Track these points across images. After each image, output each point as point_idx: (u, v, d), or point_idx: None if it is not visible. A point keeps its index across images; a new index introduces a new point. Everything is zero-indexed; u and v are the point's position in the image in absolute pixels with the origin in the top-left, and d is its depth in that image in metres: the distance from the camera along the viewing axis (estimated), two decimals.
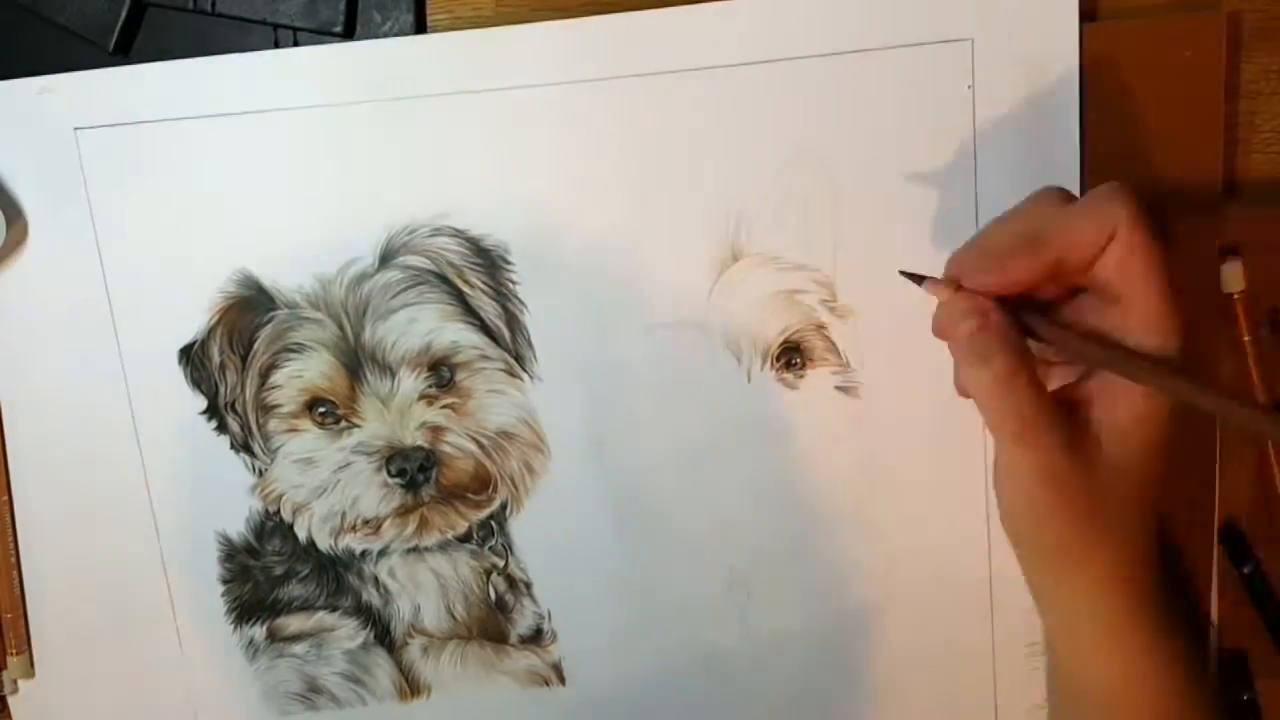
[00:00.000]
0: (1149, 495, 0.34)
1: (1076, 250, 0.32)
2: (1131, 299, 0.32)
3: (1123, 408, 0.33)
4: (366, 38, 0.42)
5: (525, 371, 0.43)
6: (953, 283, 0.34)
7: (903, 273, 0.36)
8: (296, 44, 0.43)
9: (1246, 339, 0.41)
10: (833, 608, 0.45)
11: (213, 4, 0.42)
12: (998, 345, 0.33)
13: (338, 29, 0.42)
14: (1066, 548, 0.34)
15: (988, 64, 0.40)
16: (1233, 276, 0.41)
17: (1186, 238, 0.40)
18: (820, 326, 0.42)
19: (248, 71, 0.42)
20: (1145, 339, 0.32)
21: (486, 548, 0.45)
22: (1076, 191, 0.40)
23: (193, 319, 0.43)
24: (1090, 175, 0.40)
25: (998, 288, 0.33)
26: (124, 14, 0.43)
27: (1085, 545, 0.34)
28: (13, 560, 0.46)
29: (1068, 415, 0.34)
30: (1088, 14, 0.40)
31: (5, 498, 0.46)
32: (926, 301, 0.41)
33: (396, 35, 0.42)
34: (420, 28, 0.43)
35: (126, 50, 0.43)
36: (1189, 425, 0.40)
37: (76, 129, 0.42)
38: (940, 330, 0.35)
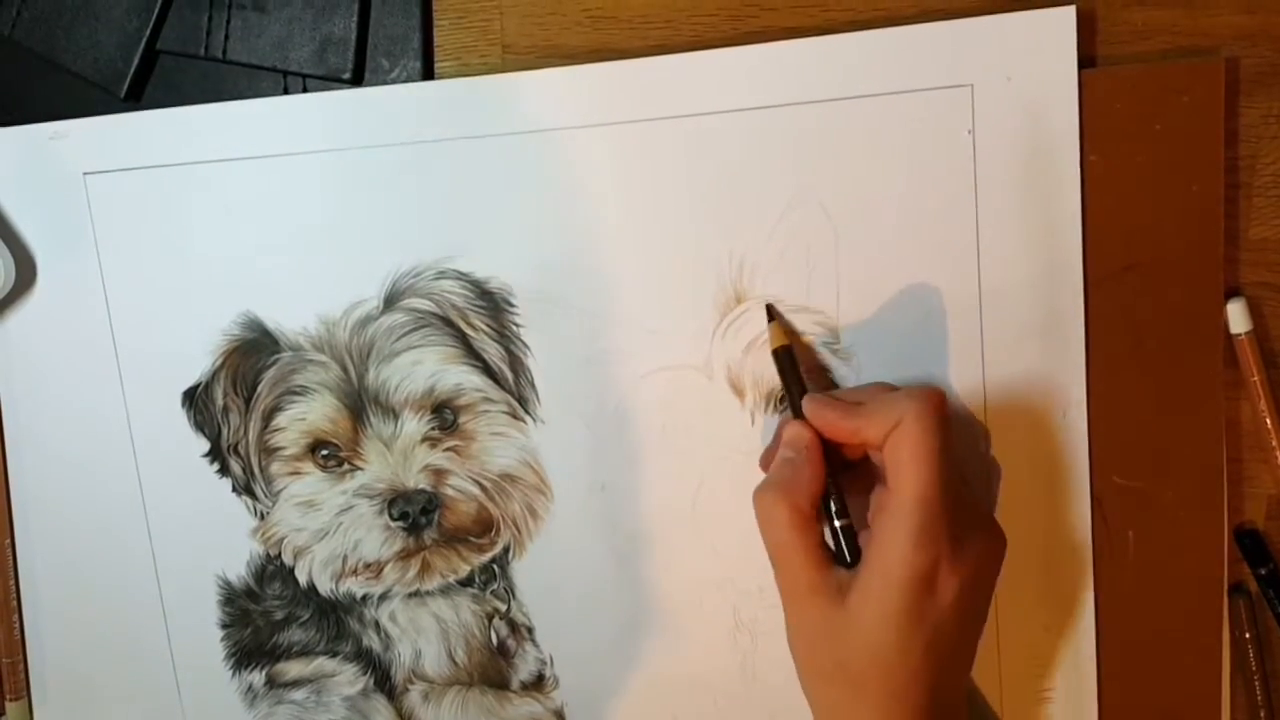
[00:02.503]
0: (896, 671, 0.35)
1: (870, 428, 0.36)
2: (892, 484, 0.35)
3: (868, 568, 0.35)
4: (375, 85, 0.43)
5: (528, 414, 0.43)
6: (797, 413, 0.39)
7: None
8: (306, 90, 0.43)
9: (1255, 379, 0.41)
10: None
11: (224, 51, 0.43)
12: (800, 482, 0.37)
13: (346, 76, 0.43)
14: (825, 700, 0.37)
15: (988, 109, 0.40)
16: (1239, 317, 0.41)
17: (1190, 281, 0.41)
18: (824, 370, 0.42)
19: (254, 117, 0.43)
20: (888, 520, 0.35)
21: (488, 592, 0.45)
22: (1078, 233, 0.40)
23: (197, 362, 0.44)
24: (1090, 219, 0.40)
25: (816, 424, 0.38)
26: (136, 61, 0.43)
27: (841, 699, 0.36)
28: (13, 604, 0.46)
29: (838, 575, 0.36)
30: (1086, 60, 0.40)
31: (7, 540, 0.46)
32: (928, 345, 0.42)
33: (404, 82, 0.43)
34: (428, 75, 0.43)
35: (139, 97, 0.44)
36: (1198, 434, 0.41)
37: (85, 174, 0.43)
38: (767, 451, 0.41)
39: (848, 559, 0.37)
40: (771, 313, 0.41)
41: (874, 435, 0.36)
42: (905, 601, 0.34)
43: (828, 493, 0.37)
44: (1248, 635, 0.43)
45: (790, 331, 0.42)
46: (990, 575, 0.37)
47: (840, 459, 0.38)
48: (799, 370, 0.40)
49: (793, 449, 0.38)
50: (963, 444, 0.41)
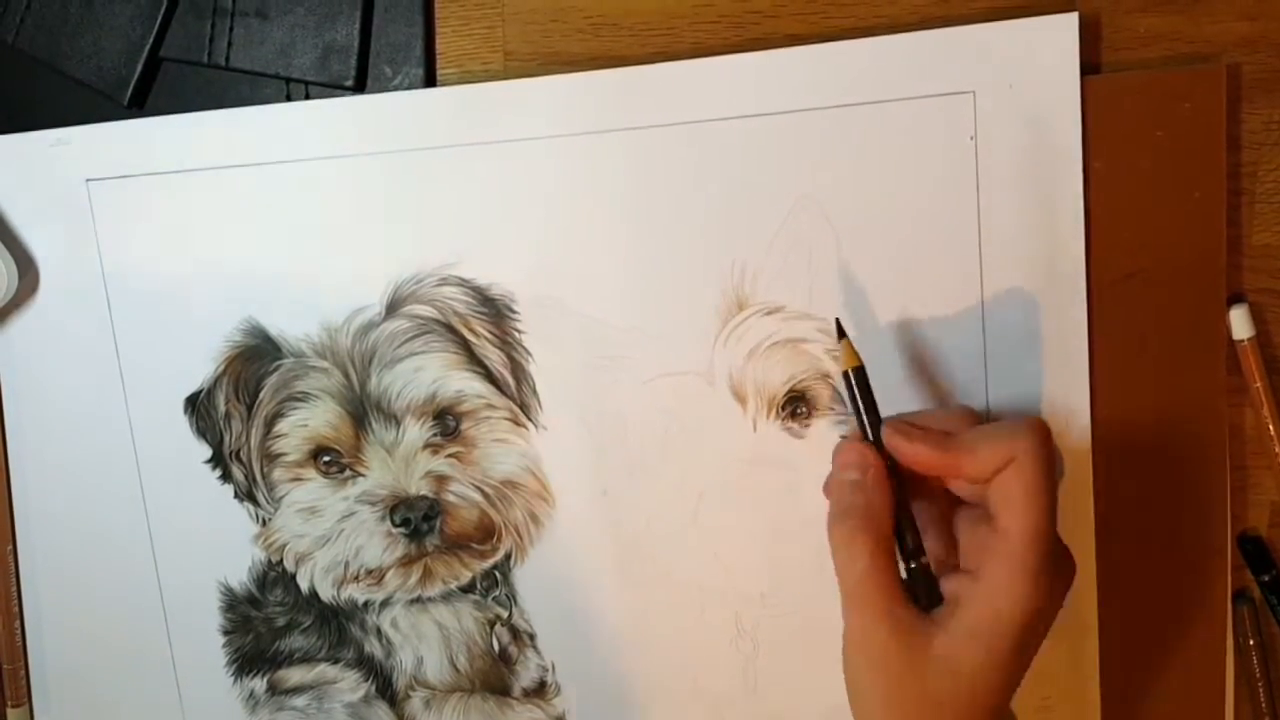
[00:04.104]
0: (981, 702, 0.34)
1: (974, 464, 0.35)
2: (1005, 524, 0.34)
3: (974, 611, 0.34)
4: (377, 92, 0.43)
5: (530, 420, 0.43)
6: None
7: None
8: (308, 98, 0.43)
9: (1258, 385, 0.41)
10: (840, 659, 0.44)
11: (226, 59, 0.43)
12: (875, 511, 0.35)
13: (349, 83, 0.43)
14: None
15: (990, 116, 0.40)
16: (1241, 323, 0.41)
17: (1193, 287, 0.41)
18: (825, 376, 0.42)
19: (256, 124, 0.43)
20: (1002, 562, 0.34)
21: (490, 598, 0.45)
22: (1080, 239, 0.40)
23: (199, 368, 0.44)
24: (1093, 225, 0.40)
25: (900, 455, 0.36)
26: (139, 68, 0.44)
27: None
28: (15, 610, 0.46)
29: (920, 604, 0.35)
30: (1089, 67, 0.40)
31: (9, 546, 0.46)
32: (931, 352, 0.41)
33: (407, 89, 0.43)
34: (430, 82, 0.43)
35: (142, 104, 0.44)
36: (1201, 441, 0.41)
37: (88, 180, 0.43)
38: (829, 477, 0.38)
39: (924, 601, 0.35)
40: (841, 330, 0.39)
41: (980, 472, 0.34)
42: (1018, 642, 0.33)
43: (900, 525, 0.36)
44: (1252, 642, 0.43)
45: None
46: (1060, 604, 0.36)
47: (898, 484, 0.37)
48: (872, 393, 0.38)
49: (859, 471, 0.36)
50: None
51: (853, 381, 0.38)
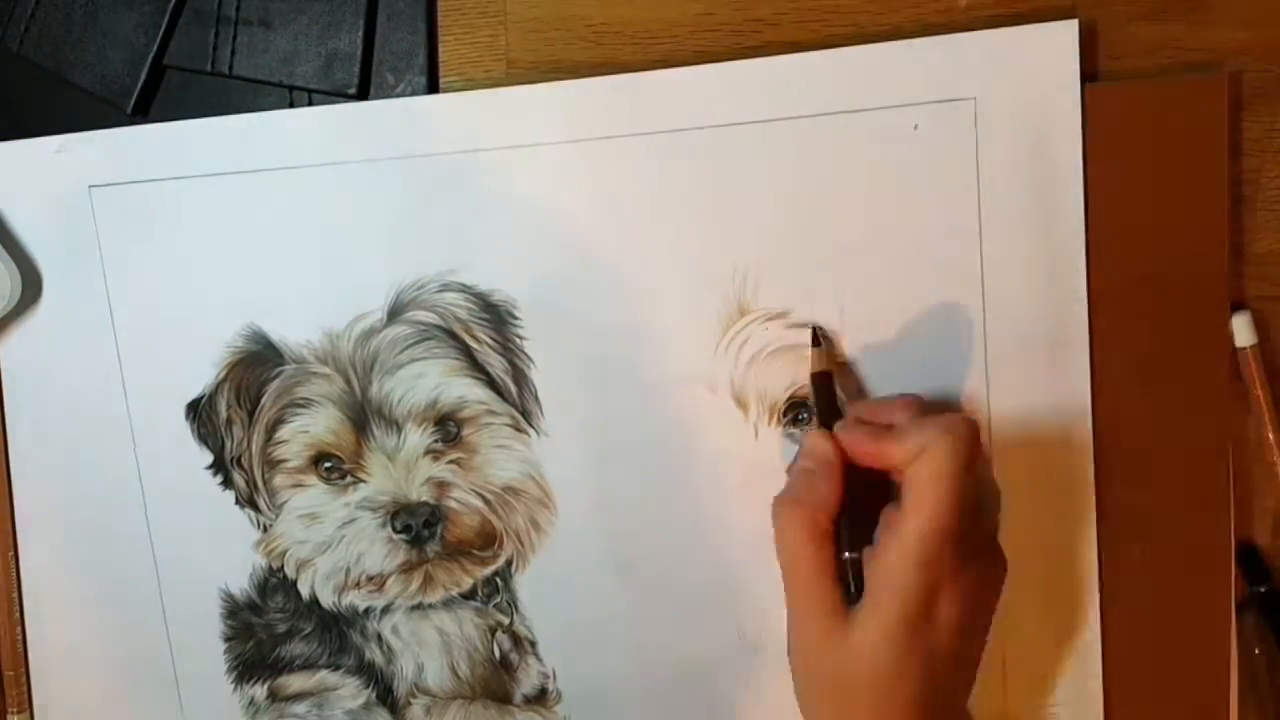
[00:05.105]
0: (900, 696, 0.34)
1: (899, 454, 0.36)
2: (904, 510, 0.35)
3: (870, 598, 0.35)
4: (380, 100, 0.43)
5: (532, 427, 0.43)
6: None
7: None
8: (311, 105, 0.44)
9: (1260, 393, 0.41)
10: None
11: (230, 67, 0.43)
12: (819, 496, 0.37)
13: (352, 91, 0.43)
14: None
15: (990, 123, 0.40)
16: (1244, 330, 0.41)
17: (1194, 294, 0.41)
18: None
19: (257, 131, 0.43)
20: (894, 548, 0.34)
21: (491, 605, 0.45)
22: (1081, 247, 0.40)
23: (201, 374, 0.44)
24: (1094, 233, 0.40)
25: (844, 444, 0.38)
26: (143, 77, 0.44)
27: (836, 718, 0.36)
28: (17, 616, 0.46)
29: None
30: (1089, 74, 0.40)
31: (11, 552, 0.46)
32: (932, 359, 0.41)
33: (409, 97, 0.43)
34: (433, 90, 0.44)
35: (145, 112, 0.44)
36: (1203, 448, 0.41)
37: (91, 187, 0.43)
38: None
39: (853, 590, 0.36)
40: (816, 338, 0.41)
41: (899, 460, 0.36)
42: (905, 623, 0.34)
43: (843, 514, 0.37)
44: (1257, 651, 0.43)
45: (833, 357, 0.41)
46: (990, 601, 0.37)
47: (862, 475, 0.38)
48: (834, 398, 0.40)
49: (813, 460, 0.38)
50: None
51: (818, 387, 0.40)
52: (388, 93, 0.43)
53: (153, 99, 0.45)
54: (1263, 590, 0.42)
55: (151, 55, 0.44)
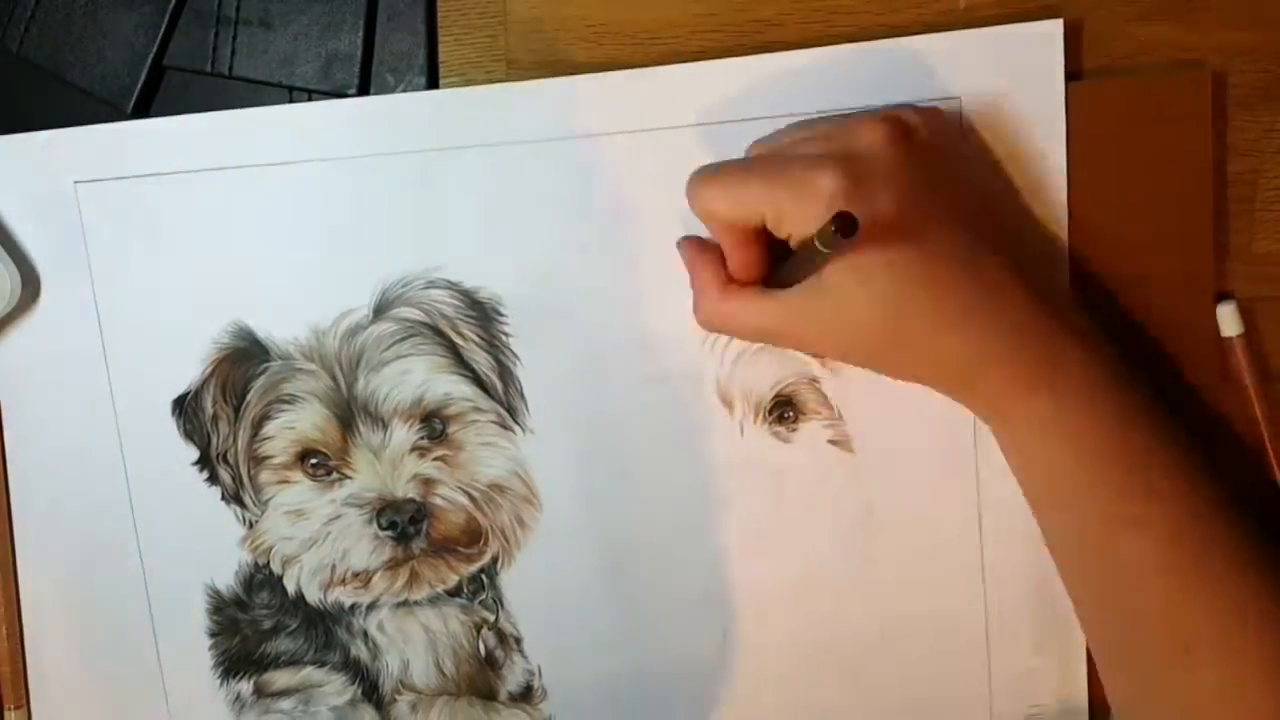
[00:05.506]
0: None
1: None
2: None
3: None
4: (364, 96, 0.43)
5: (517, 424, 0.43)
6: None
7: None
8: None
9: (1247, 382, 0.41)
10: (828, 664, 0.44)
11: (230, 67, 0.44)
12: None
13: (352, 91, 0.43)
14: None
15: (976, 121, 0.40)
16: (1229, 320, 0.41)
17: (1181, 291, 0.40)
18: (812, 380, 0.42)
19: (245, 128, 0.43)
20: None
21: (477, 602, 0.45)
22: (1064, 244, 0.40)
23: (187, 370, 0.44)
24: (1077, 230, 0.40)
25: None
26: (143, 76, 0.44)
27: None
28: (15, 612, 0.46)
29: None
30: (1075, 74, 0.40)
31: (9, 550, 0.46)
32: None
33: None
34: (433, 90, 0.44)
35: (145, 112, 0.44)
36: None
37: (76, 183, 0.43)
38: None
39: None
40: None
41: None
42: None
43: None
44: None
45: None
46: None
47: None
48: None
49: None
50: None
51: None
52: (388, 93, 0.43)
53: (152, 100, 0.45)
54: None
55: (151, 56, 0.44)
